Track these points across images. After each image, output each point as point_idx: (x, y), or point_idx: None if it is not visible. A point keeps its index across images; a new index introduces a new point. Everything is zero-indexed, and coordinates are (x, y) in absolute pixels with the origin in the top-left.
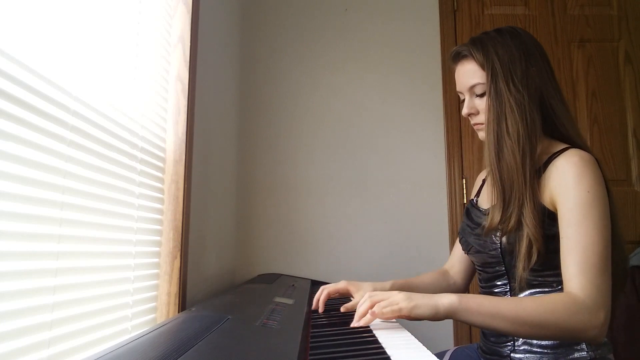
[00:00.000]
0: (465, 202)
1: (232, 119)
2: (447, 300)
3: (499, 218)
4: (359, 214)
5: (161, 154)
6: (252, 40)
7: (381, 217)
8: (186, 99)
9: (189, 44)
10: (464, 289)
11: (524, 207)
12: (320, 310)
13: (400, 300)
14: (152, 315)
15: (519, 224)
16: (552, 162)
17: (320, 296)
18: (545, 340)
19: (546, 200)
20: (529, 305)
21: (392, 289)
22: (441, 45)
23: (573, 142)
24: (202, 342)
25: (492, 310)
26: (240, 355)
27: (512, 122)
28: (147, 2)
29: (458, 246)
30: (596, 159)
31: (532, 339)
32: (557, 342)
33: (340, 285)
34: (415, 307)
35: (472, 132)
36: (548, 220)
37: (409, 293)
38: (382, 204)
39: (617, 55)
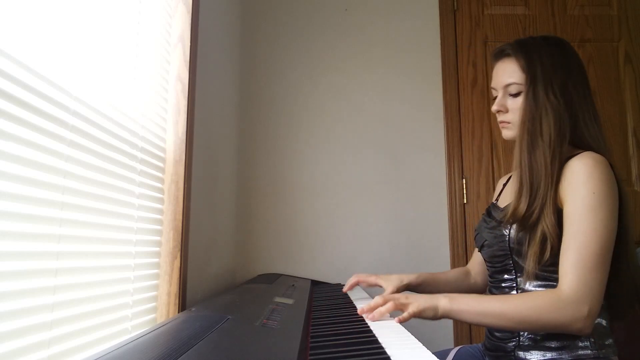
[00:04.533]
0: (465, 202)
1: (232, 119)
2: (442, 304)
3: (525, 207)
4: (359, 213)
5: (161, 154)
6: (252, 40)
7: (381, 217)
8: (186, 99)
9: (189, 44)
10: (484, 289)
11: (546, 206)
12: (345, 290)
13: (410, 305)
14: (152, 315)
15: (538, 221)
16: (567, 164)
17: (351, 281)
18: (533, 333)
19: (557, 199)
20: (513, 303)
21: (418, 280)
22: (441, 45)
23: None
24: (202, 342)
25: (480, 309)
26: (240, 355)
27: (546, 125)
28: (147, 2)
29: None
30: (611, 164)
31: (521, 332)
32: (562, 338)
33: (371, 279)
34: (423, 311)
35: (472, 132)
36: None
37: (418, 298)
38: (382, 204)
39: (617, 55)
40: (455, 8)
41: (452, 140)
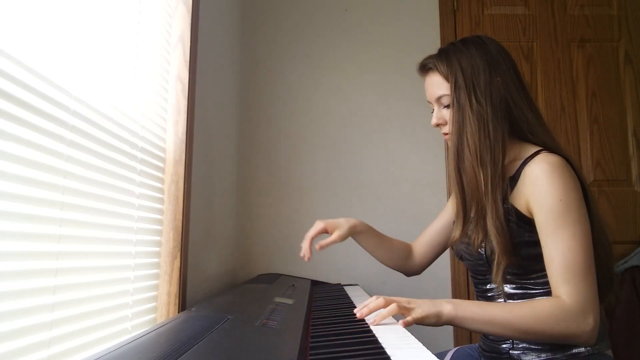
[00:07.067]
0: None
1: (232, 119)
2: (446, 310)
3: (458, 232)
4: (359, 214)
5: (161, 154)
6: (252, 40)
7: (381, 217)
8: (186, 99)
9: (189, 44)
10: (419, 271)
11: (487, 219)
12: (307, 256)
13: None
14: (152, 315)
15: (487, 236)
16: (524, 169)
17: (306, 245)
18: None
19: (523, 207)
20: (519, 313)
21: (363, 226)
22: (441, 46)
23: (545, 145)
24: (202, 342)
25: (486, 318)
26: (240, 355)
27: (471, 134)
28: (147, 2)
29: (429, 230)
30: (568, 161)
31: (526, 342)
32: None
33: (318, 227)
34: (426, 317)
35: None
36: (527, 226)
37: (421, 304)
38: (382, 204)
39: (617, 55)
40: (455, 8)
41: None
